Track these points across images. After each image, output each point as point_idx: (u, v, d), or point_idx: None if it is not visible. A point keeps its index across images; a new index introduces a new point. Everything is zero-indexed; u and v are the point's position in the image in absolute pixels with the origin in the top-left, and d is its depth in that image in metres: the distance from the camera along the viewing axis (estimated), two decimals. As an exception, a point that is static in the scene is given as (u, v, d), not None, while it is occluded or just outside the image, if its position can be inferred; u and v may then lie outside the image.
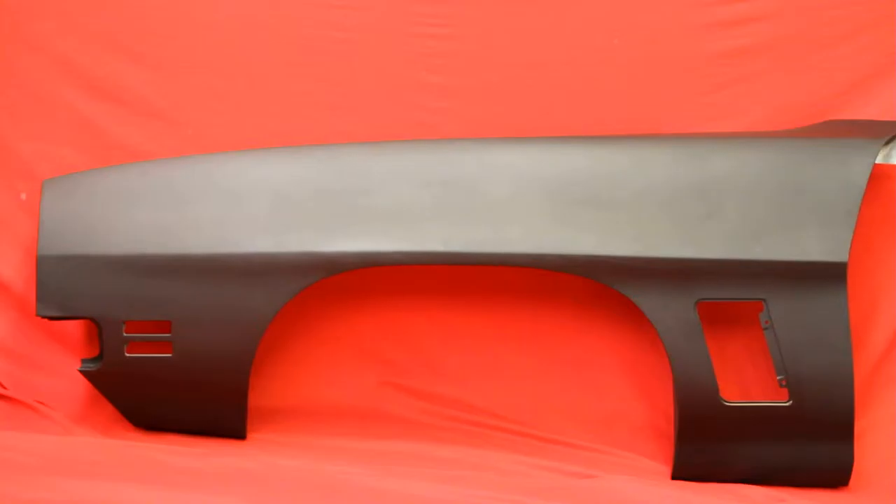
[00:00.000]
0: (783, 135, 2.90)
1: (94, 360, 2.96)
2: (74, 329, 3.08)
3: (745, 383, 2.99)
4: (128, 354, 2.90)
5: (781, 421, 2.80)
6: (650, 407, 3.07)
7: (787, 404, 2.79)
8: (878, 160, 2.81)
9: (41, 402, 3.03)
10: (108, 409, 3.02)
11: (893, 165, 2.87)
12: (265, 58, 3.10)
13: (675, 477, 2.88)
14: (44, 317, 2.91)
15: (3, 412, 3.00)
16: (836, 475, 2.84)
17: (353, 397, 3.14)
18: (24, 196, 3.08)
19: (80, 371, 2.94)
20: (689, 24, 3.04)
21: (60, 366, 3.07)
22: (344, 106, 3.10)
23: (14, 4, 3.09)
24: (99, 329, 2.90)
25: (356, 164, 2.90)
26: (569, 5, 3.07)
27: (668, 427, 2.98)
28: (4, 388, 3.05)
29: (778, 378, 2.80)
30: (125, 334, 2.89)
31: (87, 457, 2.68)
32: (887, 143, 2.82)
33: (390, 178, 2.87)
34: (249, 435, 2.99)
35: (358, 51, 3.09)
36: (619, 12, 3.06)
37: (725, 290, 2.80)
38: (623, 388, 3.09)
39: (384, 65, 3.09)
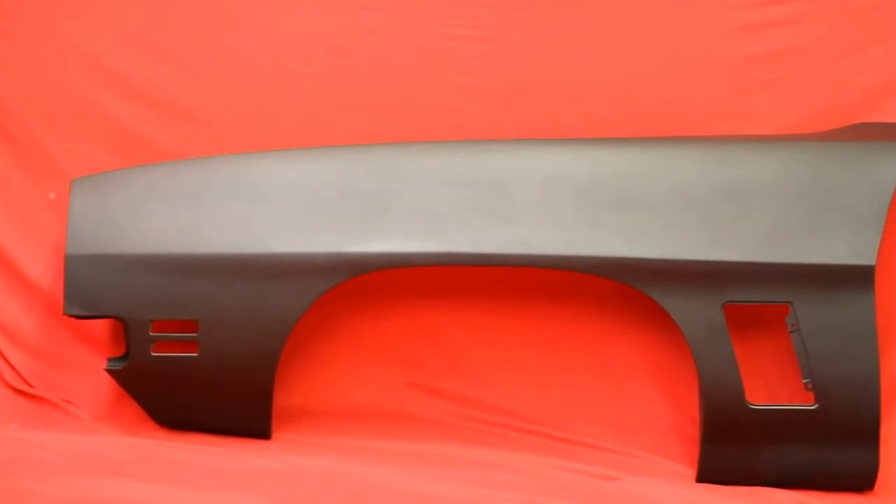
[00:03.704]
0: (812, 138, 2.90)
1: (120, 359, 2.97)
2: (101, 328, 3.10)
3: (771, 387, 2.99)
4: (154, 354, 2.90)
5: (807, 424, 2.79)
6: (675, 410, 3.07)
7: (813, 408, 2.79)
8: (907, 164, 2.81)
9: (67, 401, 3.05)
10: (134, 408, 3.02)
11: (922, 169, 2.87)
12: (294, 58, 3.12)
13: (699, 480, 2.87)
14: (71, 316, 2.91)
15: (29, 410, 3.02)
16: (862, 479, 2.83)
17: (379, 398, 3.15)
18: (52, 195, 3.10)
19: (107, 370, 2.95)
20: (719, 28, 3.04)
21: (87, 365, 3.08)
22: (373, 107, 3.11)
23: (45, 5, 3.11)
24: (125, 328, 2.91)
25: (385, 165, 2.90)
26: (598, 9, 3.07)
27: (693, 430, 2.98)
28: (31, 386, 3.07)
29: (804, 381, 2.79)
30: (152, 333, 2.89)
31: (112, 455, 2.68)
32: (915, 146, 2.83)
33: (419, 179, 2.88)
34: (274, 435, 2.99)
35: (387, 52, 3.10)
36: (649, 15, 3.06)
37: (752, 292, 2.79)
38: (648, 390, 3.09)
39: (413, 66, 3.10)
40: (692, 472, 2.91)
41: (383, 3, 3.09)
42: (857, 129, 2.93)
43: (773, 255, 2.77)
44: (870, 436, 2.80)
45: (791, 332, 2.80)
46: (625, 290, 2.90)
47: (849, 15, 3.01)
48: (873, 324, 2.77)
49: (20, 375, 3.10)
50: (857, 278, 2.75)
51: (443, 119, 3.09)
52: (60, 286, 2.94)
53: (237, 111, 3.12)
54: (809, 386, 2.79)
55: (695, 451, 2.92)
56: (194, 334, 2.89)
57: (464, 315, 3.12)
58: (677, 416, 3.06)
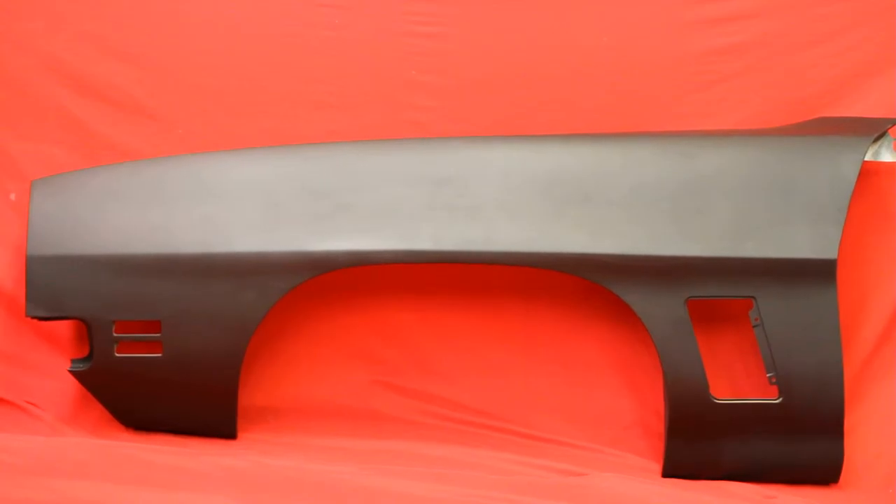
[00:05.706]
0: (773, 132, 2.91)
1: (83, 360, 2.96)
2: (64, 329, 3.07)
3: (735, 381, 3.00)
4: (117, 354, 2.89)
5: (771, 418, 2.81)
6: (640, 405, 3.07)
7: (776, 401, 2.80)
8: (867, 157, 2.81)
9: (31, 403, 3.02)
10: (99, 409, 3.01)
11: (882, 162, 2.88)
12: (255, 57, 3.11)
13: (665, 474, 2.88)
14: (33, 317, 2.90)
15: (-8, 413, 3.00)
16: (827, 472, 2.85)
17: (343, 396, 3.14)
18: (13, 196, 3.08)
19: (70, 371, 2.93)
20: (677, 22, 3.04)
21: (50, 366, 3.05)
22: (334, 105, 3.10)
23: (4, 4, 3.09)
24: (88, 329, 2.89)
25: (346, 163, 2.89)
26: (557, 4, 3.07)
27: (659, 425, 2.99)
28: (-6, 389, 3.06)
29: (768, 375, 2.80)
30: (115, 334, 2.88)
31: (77, 457, 2.66)
32: (876, 140, 2.83)
33: (380, 177, 2.87)
34: (240, 434, 2.99)
35: (347, 50, 3.09)
36: (608, 10, 3.06)
37: (715, 287, 2.80)
38: (613, 386, 3.10)
39: (374, 64, 3.09)
40: (658, 467, 2.92)
41: (343, 1, 3.08)
42: (818, 124, 2.93)
43: (736, 249, 2.77)
44: (834, 428, 2.81)
45: (754, 326, 2.80)
46: (588, 285, 2.91)
47: (808, 8, 3.02)
48: (836, 317, 2.78)
49: (-17, 378, 3.09)
50: (819, 272, 2.76)
51: (403, 116, 3.09)
52: (22, 288, 2.92)
53: (198, 110, 3.10)
54: (773, 380, 2.80)
55: (660, 446, 2.93)
56: (158, 335, 2.88)
57: (427, 312, 3.12)
58: (642, 411, 3.07)
